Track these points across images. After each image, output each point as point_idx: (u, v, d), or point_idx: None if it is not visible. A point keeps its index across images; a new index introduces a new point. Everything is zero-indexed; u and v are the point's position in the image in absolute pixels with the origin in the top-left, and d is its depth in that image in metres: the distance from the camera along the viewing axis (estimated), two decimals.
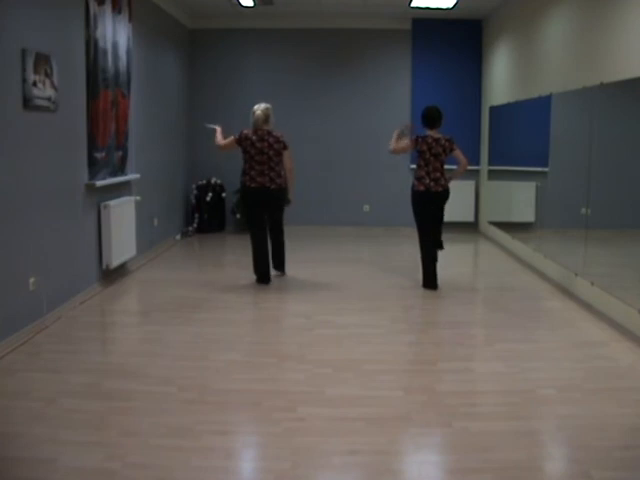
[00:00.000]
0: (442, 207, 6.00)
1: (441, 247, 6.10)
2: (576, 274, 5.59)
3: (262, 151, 5.89)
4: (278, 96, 9.09)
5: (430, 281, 5.98)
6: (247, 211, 6.19)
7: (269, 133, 5.94)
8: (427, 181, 5.83)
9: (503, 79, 8.26)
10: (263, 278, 6.11)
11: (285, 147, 5.98)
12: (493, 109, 8.61)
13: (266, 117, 5.94)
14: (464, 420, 3.26)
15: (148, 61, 7.31)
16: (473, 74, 9.28)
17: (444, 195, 5.92)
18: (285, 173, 6.04)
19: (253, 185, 5.91)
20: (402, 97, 9.33)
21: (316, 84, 9.37)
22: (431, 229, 6.01)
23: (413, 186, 5.95)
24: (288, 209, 6.32)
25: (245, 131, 5.96)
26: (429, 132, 5.89)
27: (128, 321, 5.26)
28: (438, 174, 5.85)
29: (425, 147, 5.82)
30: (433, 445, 3.11)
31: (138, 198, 6.68)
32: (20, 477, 2.72)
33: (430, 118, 5.89)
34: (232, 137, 6.00)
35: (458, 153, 5.95)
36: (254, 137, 5.90)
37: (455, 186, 9.28)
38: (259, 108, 5.96)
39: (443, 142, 5.85)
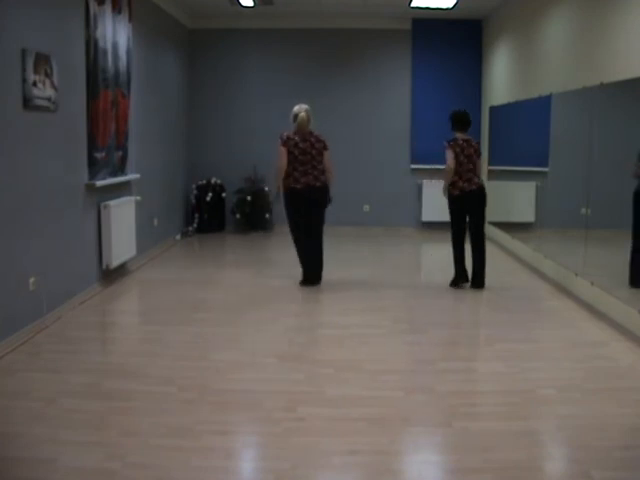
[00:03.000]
0: (481, 208, 5.95)
1: (482, 285, 5.98)
2: (576, 274, 5.59)
3: (305, 151, 5.88)
4: (278, 96, 9.09)
5: (460, 280, 6.01)
6: (291, 214, 6.01)
7: (310, 133, 5.95)
8: (461, 184, 5.86)
9: (503, 79, 8.26)
10: (314, 278, 6.05)
11: (326, 147, 5.98)
12: (493, 109, 8.61)
13: (309, 118, 5.93)
14: (464, 420, 3.26)
15: (148, 61, 7.31)
16: (473, 74, 9.28)
17: (479, 194, 5.90)
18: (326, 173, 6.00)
19: (299, 186, 5.86)
20: (402, 97, 9.33)
21: (316, 84, 9.36)
22: (472, 241, 6.01)
23: (449, 191, 5.93)
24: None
25: (286, 133, 5.94)
26: (458, 134, 5.93)
27: (128, 321, 5.26)
28: (470, 174, 5.87)
29: (458, 149, 5.85)
30: (433, 445, 3.11)
31: (138, 198, 6.68)
32: (20, 477, 2.72)
33: (459, 122, 5.94)
34: (281, 148, 5.87)
35: (479, 162, 5.99)
36: (297, 138, 5.90)
37: None
38: (301, 109, 5.92)
39: (474, 144, 5.95)
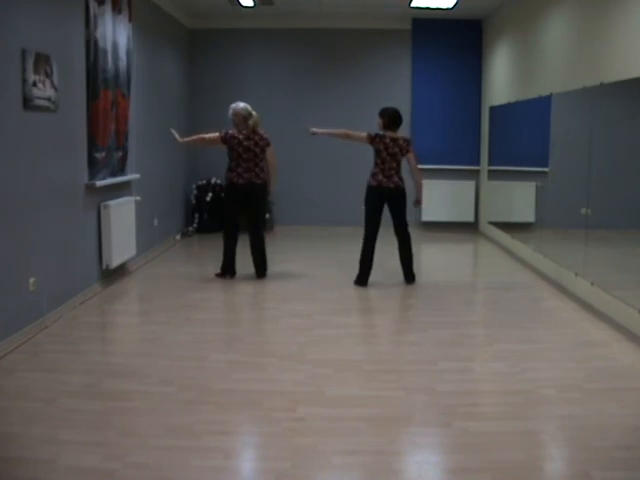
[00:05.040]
0: (400, 206, 6.07)
1: (413, 279, 6.15)
2: (576, 274, 5.58)
3: (249, 149, 6.12)
4: (278, 96, 9.10)
5: (363, 278, 6.11)
6: (228, 207, 6.33)
7: (254, 132, 6.16)
8: (380, 177, 5.96)
9: (503, 79, 8.26)
10: (228, 272, 6.33)
11: (268, 144, 6.24)
12: (493, 109, 8.60)
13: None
14: (464, 420, 3.26)
15: (148, 61, 7.31)
16: (473, 74, 9.28)
17: (397, 193, 6.00)
18: (267, 168, 6.31)
19: (241, 181, 6.13)
20: (402, 97, 9.31)
21: (316, 84, 9.36)
22: (398, 238, 6.18)
23: (367, 182, 6.08)
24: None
25: (230, 131, 6.14)
26: (388, 133, 5.98)
27: (128, 321, 5.26)
28: (392, 172, 5.97)
29: (382, 146, 5.92)
30: (433, 445, 3.11)
31: (138, 198, 6.68)
32: (20, 477, 2.72)
33: (391, 120, 5.98)
34: (216, 134, 6.17)
35: (411, 156, 6.04)
36: (241, 136, 6.11)
37: (455, 186, 9.39)
38: (246, 108, 6.14)
39: (401, 142, 5.97)
